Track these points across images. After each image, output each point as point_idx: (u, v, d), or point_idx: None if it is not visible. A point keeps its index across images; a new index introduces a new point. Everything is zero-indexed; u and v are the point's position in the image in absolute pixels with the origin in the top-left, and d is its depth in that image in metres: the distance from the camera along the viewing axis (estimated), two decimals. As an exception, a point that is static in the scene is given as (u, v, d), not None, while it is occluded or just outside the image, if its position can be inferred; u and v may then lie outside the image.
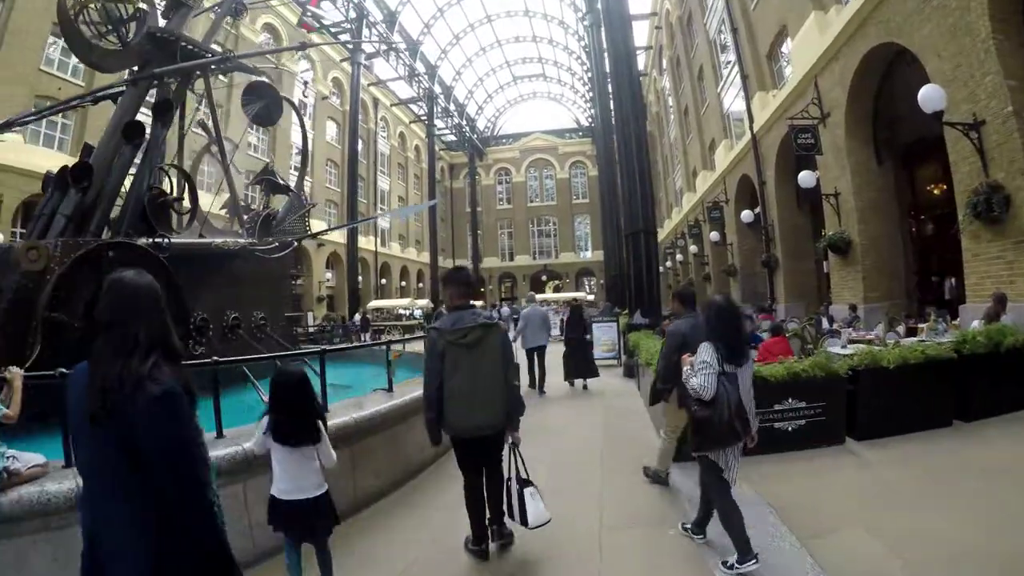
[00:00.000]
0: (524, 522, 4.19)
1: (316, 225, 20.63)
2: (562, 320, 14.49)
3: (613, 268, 26.41)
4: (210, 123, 11.04)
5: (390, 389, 6.71)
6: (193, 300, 8.40)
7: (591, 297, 49.00)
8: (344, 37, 37.49)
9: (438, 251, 53.16)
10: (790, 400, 6.44)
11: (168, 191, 9.37)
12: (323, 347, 6.27)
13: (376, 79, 48.53)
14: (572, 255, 65.65)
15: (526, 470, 4.35)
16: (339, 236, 39.08)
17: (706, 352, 3.97)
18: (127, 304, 1.98)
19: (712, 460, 4.01)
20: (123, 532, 1.86)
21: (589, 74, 41.88)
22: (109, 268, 4.84)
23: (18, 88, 18.83)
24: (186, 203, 9.86)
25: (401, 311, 37.45)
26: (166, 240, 7.87)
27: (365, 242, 44.81)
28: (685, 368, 4.12)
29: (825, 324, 13.42)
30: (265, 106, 11.79)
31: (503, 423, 4.23)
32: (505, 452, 4.38)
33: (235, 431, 4.59)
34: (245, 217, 11.37)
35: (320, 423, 3.62)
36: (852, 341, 10.08)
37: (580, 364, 12.32)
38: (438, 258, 52.30)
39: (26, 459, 3.69)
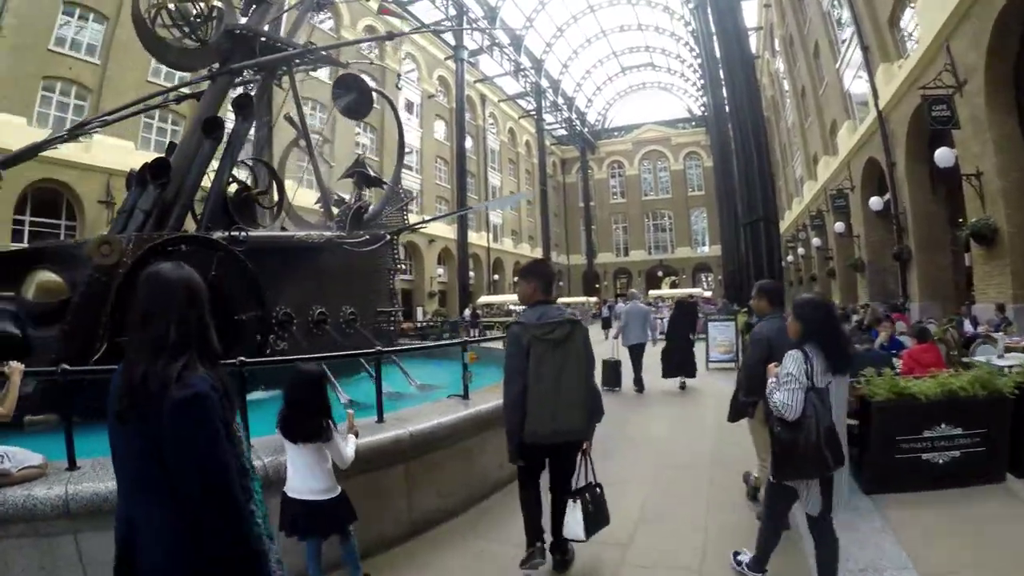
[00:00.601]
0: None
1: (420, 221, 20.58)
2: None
3: (731, 263, 24.85)
4: (296, 117, 10.96)
5: (465, 396, 6.01)
6: (276, 294, 8.22)
7: (708, 294, 46.67)
8: (445, 35, 37.71)
9: (551, 247, 52.73)
10: (943, 425, 5.17)
11: (253, 185, 9.28)
12: (378, 348, 5.71)
13: (482, 76, 48.96)
14: (688, 250, 63.26)
15: (590, 477, 3.92)
16: (450, 232, 39.57)
17: (793, 363, 3.32)
18: (159, 299, 1.88)
19: (790, 487, 3.43)
20: (152, 532, 1.79)
21: (699, 60, 40.18)
22: (183, 262, 4.54)
23: (127, 100, 19.92)
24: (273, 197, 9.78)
25: (512, 307, 37.10)
26: (243, 233, 7.66)
27: (477, 238, 45.24)
28: (770, 380, 3.47)
29: (967, 327, 11.59)
30: (354, 99, 11.61)
31: (585, 429, 3.86)
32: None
33: (267, 440, 3.99)
34: (336, 211, 11.24)
35: (331, 423, 3.53)
36: (1008, 348, 8.42)
37: (680, 361, 11.76)
38: (551, 254, 51.86)
39: (20, 459, 3.43)
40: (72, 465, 3.61)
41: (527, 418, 3.71)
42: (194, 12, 8.92)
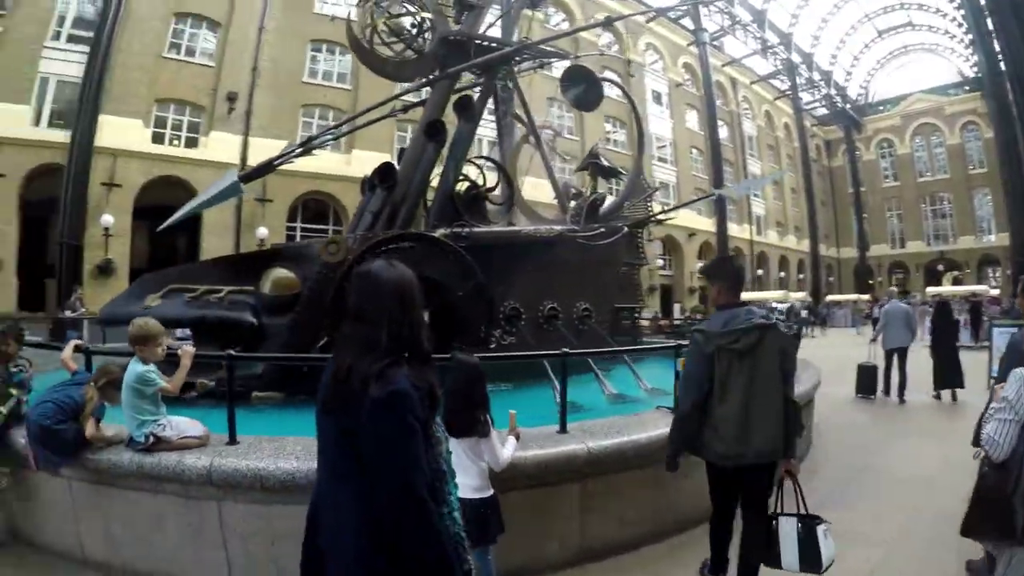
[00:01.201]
0: (816, 566, 3.18)
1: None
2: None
3: (1022, 253, 20.32)
4: (523, 115, 11.20)
5: (675, 409, 5.23)
6: (506, 288, 8.19)
7: (995, 292, 37.26)
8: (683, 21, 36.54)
9: (820, 238, 48.26)
10: None
11: (481, 183, 9.40)
12: (564, 350, 5.12)
13: (729, 58, 46.47)
14: (972, 239, 51.20)
15: (806, 505, 3.35)
16: (710, 225, 38.52)
17: (1014, 385, 2.66)
18: (370, 300, 1.92)
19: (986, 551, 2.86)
20: (350, 524, 1.84)
21: (961, 12, 34.30)
22: (405, 259, 4.67)
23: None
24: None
25: (774, 304, 34.15)
26: (464, 230, 7.67)
27: (739, 231, 43.25)
28: (992, 405, 2.87)
29: None
30: (583, 90, 11.33)
31: (781, 450, 3.35)
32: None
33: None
34: (571, 204, 11.03)
35: (488, 418, 3.32)
36: None
37: (945, 370, 10.62)
38: (819, 246, 47.37)
39: (181, 428, 3.84)
40: (232, 440, 3.95)
41: (712, 437, 3.40)
42: (407, 25, 9.68)
